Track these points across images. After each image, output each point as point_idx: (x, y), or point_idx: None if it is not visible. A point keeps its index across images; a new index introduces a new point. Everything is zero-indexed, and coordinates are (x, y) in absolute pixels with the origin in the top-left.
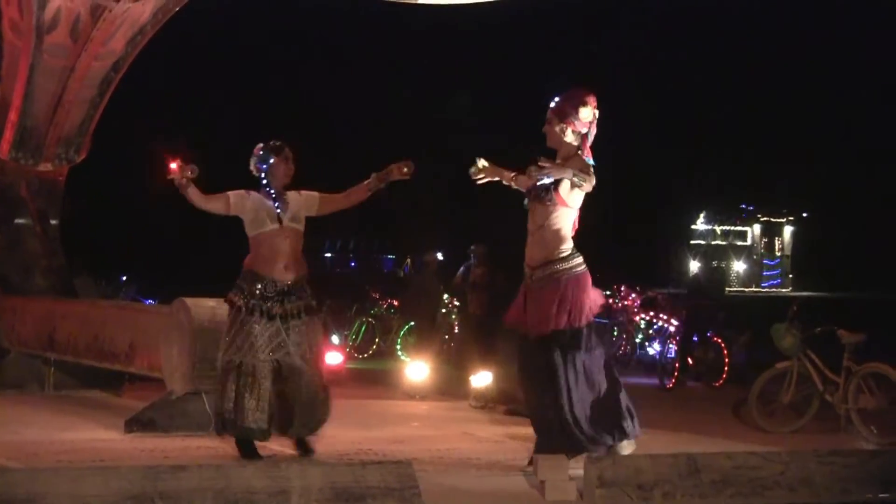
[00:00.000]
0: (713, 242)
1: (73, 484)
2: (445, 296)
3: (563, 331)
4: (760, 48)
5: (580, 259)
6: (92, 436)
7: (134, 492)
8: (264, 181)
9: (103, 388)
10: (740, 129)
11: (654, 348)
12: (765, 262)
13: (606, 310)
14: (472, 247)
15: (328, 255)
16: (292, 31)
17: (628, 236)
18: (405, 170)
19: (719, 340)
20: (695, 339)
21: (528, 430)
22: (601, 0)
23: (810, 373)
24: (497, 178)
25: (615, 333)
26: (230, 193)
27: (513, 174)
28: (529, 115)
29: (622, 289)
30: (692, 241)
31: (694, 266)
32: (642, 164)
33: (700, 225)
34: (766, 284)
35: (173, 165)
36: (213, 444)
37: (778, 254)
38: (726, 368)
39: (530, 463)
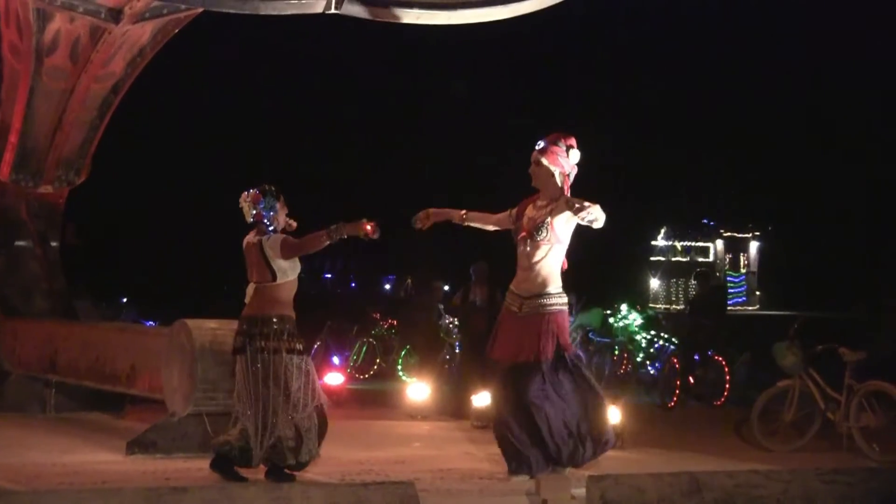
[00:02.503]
0: (673, 259)
1: None
2: (446, 316)
3: (551, 359)
4: (722, 56)
5: (565, 298)
6: (93, 458)
7: None
8: (270, 228)
9: (104, 410)
10: (701, 141)
11: (654, 368)
12: (729, 279)
13: (607, 329)
14: (473, 266)
15: (328, 275)
16: (295, 50)
17: (587, 253)
18: (369, 228)
19: (720, 359)
20: (695, 358)
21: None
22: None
23: (812, 391)
24: (447, 219)
25: (615, 353)
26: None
27: (463, 212)
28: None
29: (622, 308)
30: (651, 258)
31: (654, 283)
32: (601, 177)
33: (660, 241)
34: (731, 302)
35: (369, 227)
36: None
37: (743, 270)
38: (727, 387)
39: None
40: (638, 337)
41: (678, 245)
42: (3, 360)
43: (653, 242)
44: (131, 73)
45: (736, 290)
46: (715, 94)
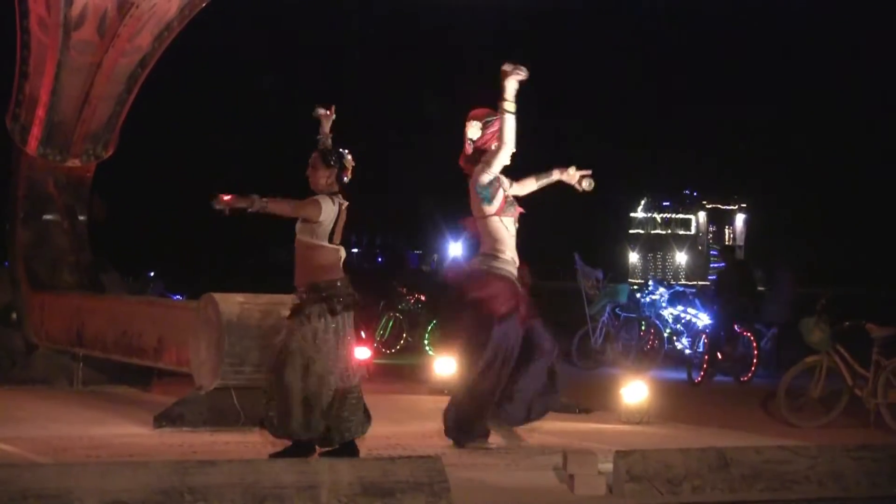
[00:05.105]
0: (653, 231)
1: (102, 479)
2: None
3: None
4: (705, 25)
5: None
6: (121, 431)
7: (163, 487)
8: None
9: (132, 384)
10: (682, 109)
11: (682, 343)
12: (712, 252)
13: (635, 304)
14: None
15: (355, 250)
16: (328, 29)
17: (564, 226)
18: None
19: (748, 335)
20: (723, 333)
21: (557, 425)
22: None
23: (839, 367)
24: None
25: (643, 328)
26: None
27: None
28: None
29: (650, 283)
30: (630, 231)
31: (633, 257)
32: (577, 147)
33: (639, 213)
34: (713, 277)
35: (227, 197)
36: (242, 439)
37: (728, 243)
38: (755, 363)
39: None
40: (665, 312)
41: (658, 217)
42: (30, 333)
43: (631, 214)
44: (158, 48)
45: (718, 264)
46: (702, 61)
